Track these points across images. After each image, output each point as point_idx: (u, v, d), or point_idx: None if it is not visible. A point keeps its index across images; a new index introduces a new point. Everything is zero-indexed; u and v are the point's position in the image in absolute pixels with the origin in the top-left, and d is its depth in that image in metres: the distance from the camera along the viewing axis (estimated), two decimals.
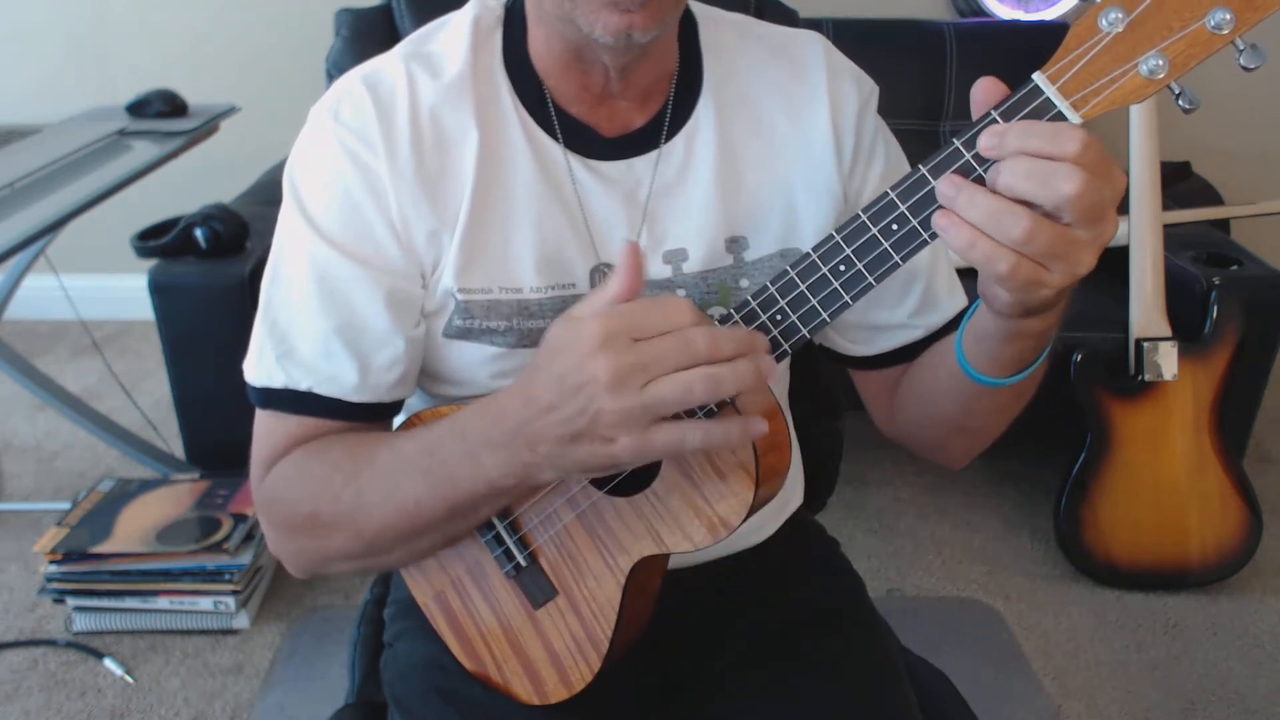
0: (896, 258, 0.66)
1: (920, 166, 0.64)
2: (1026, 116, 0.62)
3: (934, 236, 0.64)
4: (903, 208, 0.65)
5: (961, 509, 2.19)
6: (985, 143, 0.61)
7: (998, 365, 0.74)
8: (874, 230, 0.66)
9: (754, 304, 0.69)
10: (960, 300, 0.90)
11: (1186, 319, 1.86)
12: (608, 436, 0.64)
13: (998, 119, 0.62)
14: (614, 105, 0.82)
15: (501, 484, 0.72)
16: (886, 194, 0.65)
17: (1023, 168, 0.59)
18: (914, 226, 0.65)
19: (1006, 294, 0.64)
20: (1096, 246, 0.61)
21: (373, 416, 0.82)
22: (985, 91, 0.63)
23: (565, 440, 0.66)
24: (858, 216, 0.66)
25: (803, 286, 0.68)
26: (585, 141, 0.82)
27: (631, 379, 0.62)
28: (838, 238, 0.67)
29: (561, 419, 0.65)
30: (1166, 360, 1.83)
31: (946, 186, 0.62)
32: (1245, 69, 0.61)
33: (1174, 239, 1.96)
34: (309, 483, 0.79)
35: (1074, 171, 0.58)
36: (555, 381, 0.64)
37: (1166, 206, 1.95)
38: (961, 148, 0.63)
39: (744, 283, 0.84)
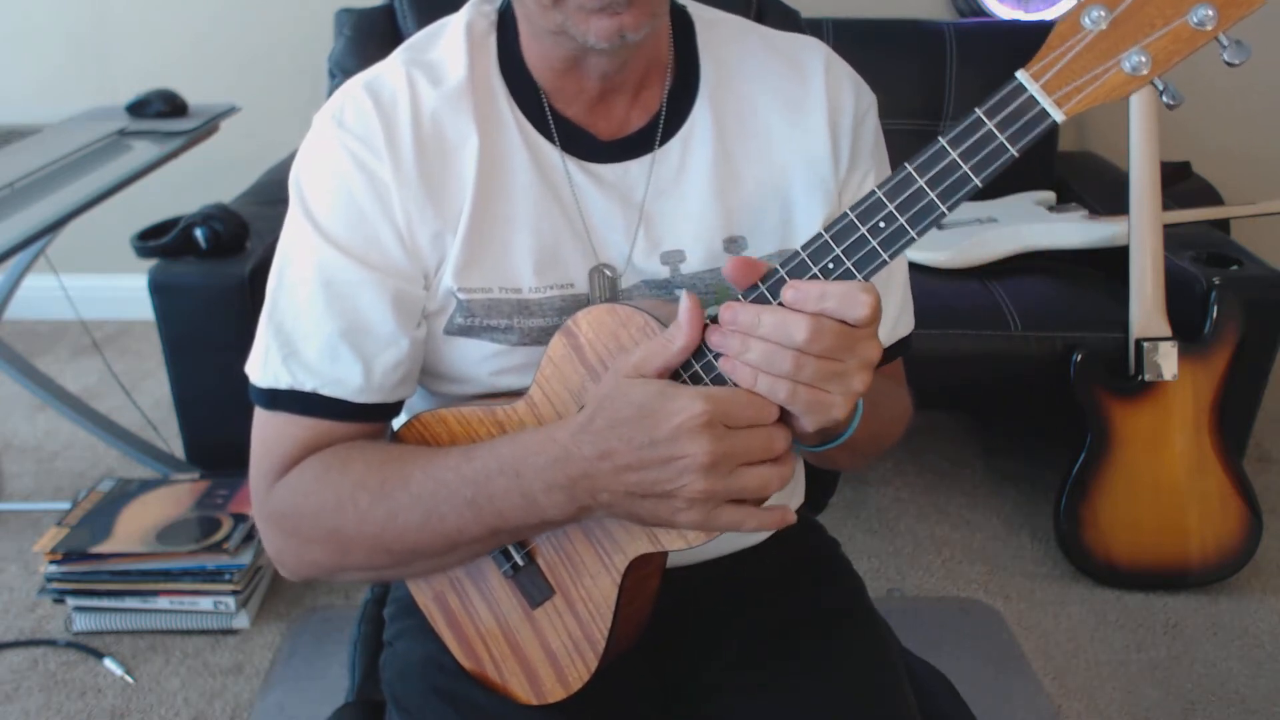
0: (884, 255, 0.67)
1: (906, 165, 0.66)
2: (1010, 114, 0.64)
3: (922, 232, 0.66)
4: (890, 206, 0.66)
5: (961, 509, 2.19)
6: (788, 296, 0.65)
7: (802, 439, 0.75)
8: (863, 229, 0.66)
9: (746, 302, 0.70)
10: (904, 326, 0.91)
11: (1186, 319, 1.86)
12: (678, 506, 0.67)
13: (982, 118, 0.64)
14: (610, 107, 0.83)
15: (554, 520, 0.74)
16: (873, 192, 0.66)
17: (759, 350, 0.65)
18: (901, 224, 0.66)
19: (805, 422, 0.67)
20: (863, 369, 0.66)
21: (376, 417, 0.82)
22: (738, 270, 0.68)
23: (634, 497, 0.69)
24: (845, 215, 0.67)
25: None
26: (582, 144, 0.82)
27: (723, 465, 0.66)
28: (826, 236, 0.67)
29: (639, 480, 0.68)
30: (1166, 360, 1.83)
31: (717, 338, 0.67)
32: (1229, 64, 0.61)
33: (1174, 239, 1.96)
34: (330, 497, 0.78)
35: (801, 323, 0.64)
36: (644, 446, 0.66)
37: (1166, 206, 1.94)
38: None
39: None
